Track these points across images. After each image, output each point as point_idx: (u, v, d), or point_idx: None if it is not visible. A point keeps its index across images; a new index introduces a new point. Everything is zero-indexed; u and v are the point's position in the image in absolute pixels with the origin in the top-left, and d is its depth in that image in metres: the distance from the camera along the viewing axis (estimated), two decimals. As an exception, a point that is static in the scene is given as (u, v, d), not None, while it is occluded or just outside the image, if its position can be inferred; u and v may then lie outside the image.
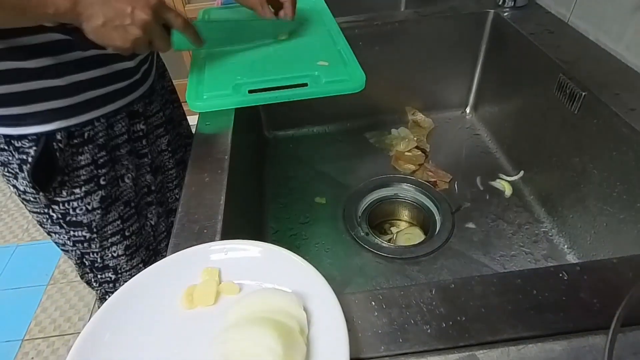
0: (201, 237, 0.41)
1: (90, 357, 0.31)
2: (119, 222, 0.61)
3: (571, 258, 0.60)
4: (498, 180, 0.72)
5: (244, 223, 0.57)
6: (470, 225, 0.65)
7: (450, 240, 0.63)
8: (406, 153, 0.78)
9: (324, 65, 0.60)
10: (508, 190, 0.70)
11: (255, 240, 0.38)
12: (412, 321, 0.33)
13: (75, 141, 0.53)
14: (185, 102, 0.59)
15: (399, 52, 0.80)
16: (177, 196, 0.75)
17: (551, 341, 0.31)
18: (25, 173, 0.52)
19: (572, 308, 0.33)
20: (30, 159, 0.51)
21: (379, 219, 0.73)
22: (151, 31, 0.46)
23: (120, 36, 0.45)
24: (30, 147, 0.51)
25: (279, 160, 0.82)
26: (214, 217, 0.43)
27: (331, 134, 0.87)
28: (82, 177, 0.55)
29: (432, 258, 0.61)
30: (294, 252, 0.36)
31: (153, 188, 0.67)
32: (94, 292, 0.70)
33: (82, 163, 0.55)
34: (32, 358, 1.16)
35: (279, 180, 0.77)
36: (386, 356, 0.31)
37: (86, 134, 0.54)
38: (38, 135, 0.51)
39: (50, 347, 1.18)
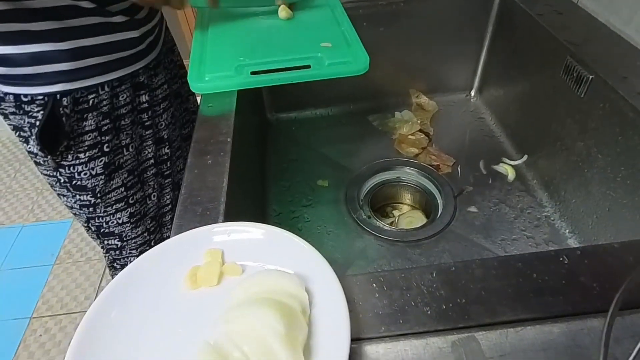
0: (204, 219, 0.41)
1: (97, 334, 0.31)
2: (122, 189, 0.63)
3: (572, 242, 0.60)
4: (501, 164, 0.72)
5: (247, 205, 0.57)
6: (472, 209, 0.65)
7: (452, 223, 0.63)
8: (409, 136, 0.77)
9: (327, 46, 0.59)
10: (511, 175, 0.70)
11: (258, 222, 0.38)
12: (413, 303, 0.33)
13: (80, 107, 0.55)
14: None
15: (403, 33, 0.79)
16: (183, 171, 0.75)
17: (550, 323, 0.32)
18: (35, 136, 0.54)
19: (572, 291, 0.33)
20: (38, 123, 0.53)
21: (381, 202, 0.74)
22: None
23: None
24: (38, 112, 0.53)
25: (281, 142, 0.82)
26: (216, 199, 0.43)
27: (334, 117, 0.86)
28: (87, 143, 0.57)
29: (434, 241, 0.61)
30: (297, 235, 0.36)
31: (155, 161, 0.68)
32: (100, 272, 0.72)
33: (87, 129, 0.57)
34: (40, 335, 1.19)
35: (281, 162, 0.77)
36: (386, 336, 0.32)
37: (91, 101, 0.55)
38: (45, 100, 0.53)
39: (58, 324, 1.21)
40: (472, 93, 0.86)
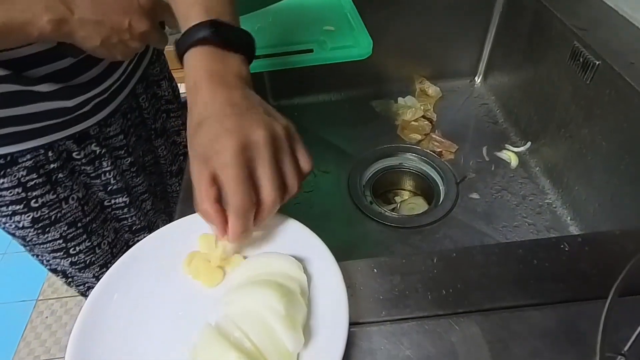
0: (206, 203, 0.41)
1: (100, 315, 0.32)
2: (60, 241, 0.55)
3: (574, 230, 0.60)
4: (504, 151, 0.71)
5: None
6: (474, 195, 0.65)
7: (454, 210, 0.63)
8: (412, 122, 0.77)
9: (330, 30, 0.58)
10: (514, 161, 0.69)
11: (260, 207, 0.38)
12: (413, 288, 0.34)
13: None
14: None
15: (408, 17, 0.77)
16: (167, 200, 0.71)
17: (549, 309, 0.32)
18: None
19: (572, 278, 0.34)
20: None
21: (383, 189, 0.74)
22: (151, 38, 0.44)
23: (121, 51, 0.43)
24: None
25: (283, 128, 0.81)
26: (218, 184, 0.43)
27: (336, 102, 0.86)
28: (7, 198, 0.49)
29: (435, 227, 0.62)
30: (298, 221, 0.37)
31: (107, 211, 0.60)
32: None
33: (5, 185, 0.48)
34: (47, 317, 1.21)
35: (283, 148, 0.76)
36: (387, 321, 0.32)
37: (8, 157, 0.46)
38: None
39: (64, 307, 1.23)
40: (477, 79, 0.85)
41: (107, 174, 0.56)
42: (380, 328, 0.32)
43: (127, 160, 0.59)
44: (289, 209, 0.66)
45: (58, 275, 0.63)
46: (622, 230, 0.37)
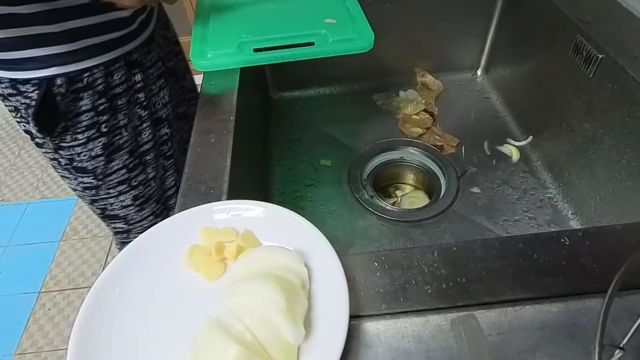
0: (208, 197, 0.41)
1: (102, 308, 0.32)
2: (123, 170, 0.63)
3: (574, 224, 0.60)
4: (506, 145, 0.71)
5: (250, 184, 0.57)
6: (475, 189, 0.65)
7: (455, 204, 0.64)
8: (413, 116, 0.77)
9: (332, 23, 0.58)
10: (515, 156, 0.69)
11: (261, 202, 0.38)
12: (414, 282, 0.34)
13: (75, 87, 0.55)
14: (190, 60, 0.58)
15: (410, 9, 0.77)
16: (183, 150, 0.75)
17: (548, 303, 0.32)
18: (31, 117, 0.54)
19: (572, 272, 0.34)
20: (34, 103, 0.53)
21: (384, 182, 0.74)
22: None
23: None
24: (33, 92, 0.53)
25: (284, 121, 0.81)
26: (220, 178, 0.43)
27: (338, 96, 0.85)
28: (84, 123, 0.57)
29: (436, 222, 0.62)
30: (299, 214, 0.37)
31: (155, 142, 0.67)
32: (105, 248, 0.73)
33: (83, 109, 0.56)
34: (49, 309, 1.22)
35: (284, 142, 0.77)
36: (387, 314, 0.32)
37: (85, 80, 0.55)
38: (40, 80, 0.52)
39: (66, 299, 1.24)
40: (479, 72, 0.85)
41: (153, 99, 0.64)
42: (380, 321, 0.32)
43: (166, 89, 0.66)
44: (290, 202, 0.67)
45: (117, 225, 0.68)
46: (623, 225, 0.37)
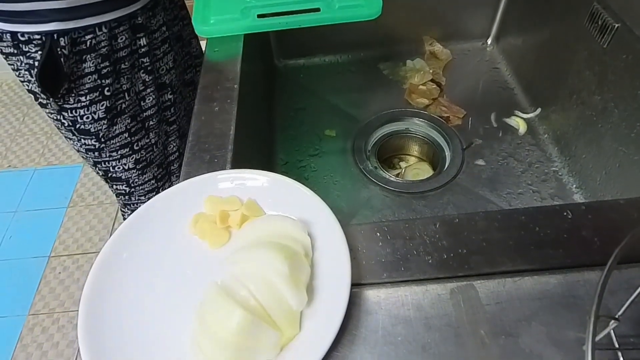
0: (212, 166, 0.41)
1: (110, 272, 0.33)
2: (126, 134, 0.64)
3: (578, 198, 0.60)
4: (513, 117, 0.70)
5: (254, 154, 0.57)
6: (480, 162, 0.65)
7: (459, 176, 0.63)
8: (420, 86, 0.75)
9: (339, -13, 0.56)
10: (522, 128, 0.68)
11: (265, 171, 0.38)
12: (415, 252, 0.34)
13: (78, 48, 0.54)
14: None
15: (420, -27, 0.74)
16: (187, 117, 0.75)
17: (547, 275, 0.33)
18: (35, 77, 0.54)
19: (572, 245, 0.34)
20: (37, 63, 0.53)
21: (389, 153, 0.73)
22: None
23: None
24: (36, 52, 0.53)
25: (289, 90, 0.80)
26: (224, 146, 0.43)
27: (343, 64, 0.84)
28: (87, 86, 0.57)
29: (439, 193, 0.62)
30: (303, 184, 0.37)
31: (158, 107, 0.67)
32: (112, 215, 0.74)
33: (86, 71, 0.56)
34: (60, 272, 1.25)
35: (288, 111, 0.76)
36: (387, 282, 0.33)
37: (89, 42, 0.55)
38: (43, 40, 0.52)
39: (75, 263, 1.27)
40: (489, 41, 0.83)
41: (157, 64, 0.63)
42: (381, 289, 0.33)
43: (170, 55, 0.66)
44: (294, 172, 0.67)
45: (119, 187, 0.70)
46: (626, 199, 0.37)
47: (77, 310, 0.31)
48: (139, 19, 0.59)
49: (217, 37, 0.55)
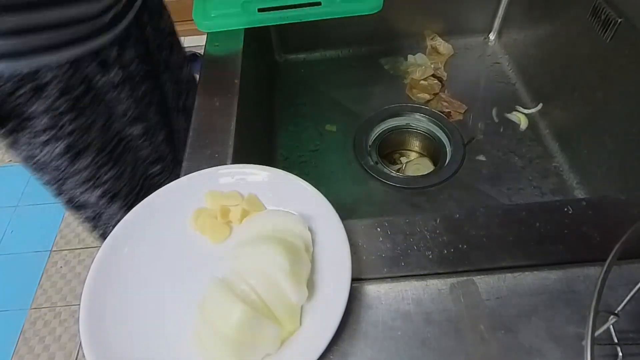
0: (213, 161, 0.41)
1: (112, 267, 0.33)
2: (90, 169, 0.57)
3: (579, 194, 0.60)
4: (514, 112, 0.70)
5: (255, 149, 0.57)
6: (481, 157, 0.65)
7: (459, 172, 0.63)
8: (421, 81, 0.75)
9: (340, -19, 0.55)
10: (524, 123, 0.68)
11: (266, 167, 0.38)
12: (415, 247, 0.34)
13: (27, 87, 0.46)
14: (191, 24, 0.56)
15: (422, -33, 0.73)
16: (169, 143, 0.69)
17: (547, 270, 0.33)
18: None
19: (573, 241, 0.34)
20: None
21: (389, 149, 0.73)
22: None
23: None
24: None
25: (290, 85, 0.80)
26: (225, 142, 0.43)
27: (344, 59, 0.83)
28: (41, 125, 0.49)
29: (440, 189, 0.62)
30: (304, 179, 0.37)
31: (127, 140, 0.60)
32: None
33: (39, 110, 0.48)
34: (61, 267, 1.26)
35: (289, 106, 0.76)
36: (388, 277, 0.33)
37: (40, 80, 0.47)
38: None
39: (77, 257, 1.28)
40: (491, 36, 0.82)
41: (125, 101, 0.57)
42: (381, 284, 0.33)
43: (143, 88, 0.59)
44: (295, 167, 0.67)
45: (84, 214, 0.64)
46: (627, 195, 0.37)
47: (79, 304, 0.31)
48: (106, 52, 0.52)
49: (217, 32, 0.55)
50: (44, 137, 0.51)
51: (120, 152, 0.60)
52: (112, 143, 0.58)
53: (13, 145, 0.52)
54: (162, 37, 0.64)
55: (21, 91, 0.46)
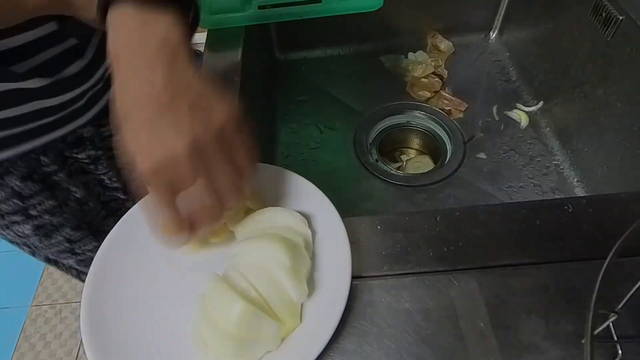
0: (212, 158, 0.41)
1: (112, 264, 0.33)
2: (66, 243, 0.53)
3: (580, 192, 0.60)
4: (515, 110, 0.70)
5: (255, 147, 0.57)
6: (482, 155, 0.65)
7: (460, 170, 0.63)
8: (422, 79, 0.75)
9: (340, -22, 0.55)
10: (524, 121, 0.68)
11: (266, 164, 0.38)
12: (415, 245, 0.34)
13: None
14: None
15: (422, -35, 0.73)
16: None
17: (547, 268, 0.33)
18: None
19: (573, 238, 0.34)
20: None
21: (390, 147, 0.73)
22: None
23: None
24: None
25: (290, 83, 0.80)
26: (224, 139, 0.43)
27: (345, 57, 0.83)
28: (4, 210, 0.46)
29: (440, 187, 0.62)
30: (304, 177, 0.37)
31: (107, 211, 0.57)
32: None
33: (2, 195, 0.45)
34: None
35: (289, 103, 0.76)
36: (388, 275, 0.33)
37: (2, 168, 0.43)
38: None
39: (77, 255, 1.28)
40: (492, 34, 0.82)
41: (105, 175, 0.53)
42: (381, 282, 0.33)
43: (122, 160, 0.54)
44: (295, 164, 0.67)
45: (63, 270, 0.61)
46: (627, 193, 0.37)
47: (80, 302, 0.31)
48: (80, 130, 0.47)
49: (217, 29, 0.55)
50: (8, 220, 0.47)
51: (100, 220, 0.55)
52: (91, 214, 0.53)
53: None
54: None
55: None
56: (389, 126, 0.71)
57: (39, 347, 1.10)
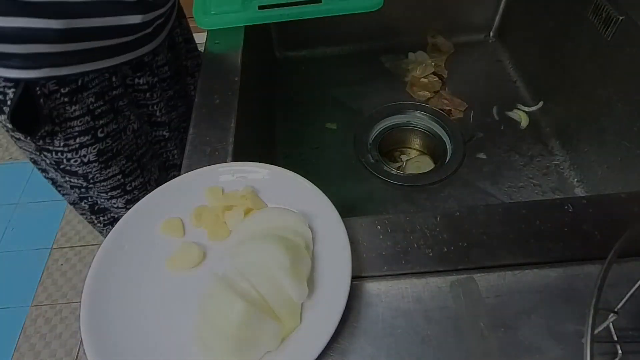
0: (213, 159, 0.41)
1: (112, 264, 0.33)
2: (119, 176, 0.57)
3: (579, 192, 0.60)
4: (515, 110, 0.70)
5: (255, 146, 0.57)
6: (482, 155, 0.65)
7: (460, 170, 0.63)
8: (422, 79, 0.75)
9: (340, -22, 0.55)
10: (524, 121, 0.68)
11: (267, 164, 0.38)
12: (415, 245, 0.34)
13: (66, 89, 0.46)
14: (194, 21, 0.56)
15: (423, -35, 0.73)
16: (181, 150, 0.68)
17: (547, 268, 0.33)
18: (7, 115, 0.45)
19: (573, 239, 0.34)
20: (9, 101, 0.44)
21: (390, 147, 0.73)
22: None
23: None
24: (9, 88, 0.44)
25: (290, 82, 0.80)
26: (225, 139, 0.43)
27: (345, 56, 0.83)
28: (77, 129, 0.49)
29: (440, 187, 0.62)
30: (304, 177, 0.37)
31: (154, 145, 0.62)
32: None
33: (76, 113, 0.48)
34: (62, 264, 1.26)
35: (290, 103, 0.76)
36: (388, 275, 0.33)
37: (80, 81, 0.47)
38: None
39: (77, 255, 1.28)
40: (492, 34, 0.82)
41: (155, 105, 0.58)
42: (381, 282, 0.33)
43: (168, 94, 0.60)
44: (295, 164, 0.67)
45: (103, 219, 0.64)
46: (627, 193, 0.37)
47: (80, 302, 0.31)
48: (141, 57, 0.52)
49: (218, 29, 0.55)
50: (78, 141, 0.50)
51: (148, 159, 0.60)
52: (141, 150, 0.58)
53: (45, 149, 0.51)
54: (182, 43, 0.64)
55: (61, 92, 0.46)
56: (389, 126, 0.71)
57: (39, 347, 1.10)
